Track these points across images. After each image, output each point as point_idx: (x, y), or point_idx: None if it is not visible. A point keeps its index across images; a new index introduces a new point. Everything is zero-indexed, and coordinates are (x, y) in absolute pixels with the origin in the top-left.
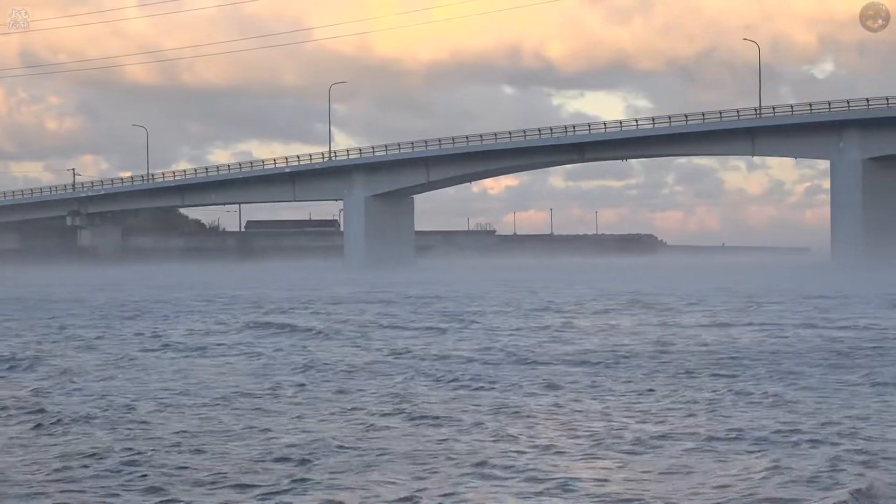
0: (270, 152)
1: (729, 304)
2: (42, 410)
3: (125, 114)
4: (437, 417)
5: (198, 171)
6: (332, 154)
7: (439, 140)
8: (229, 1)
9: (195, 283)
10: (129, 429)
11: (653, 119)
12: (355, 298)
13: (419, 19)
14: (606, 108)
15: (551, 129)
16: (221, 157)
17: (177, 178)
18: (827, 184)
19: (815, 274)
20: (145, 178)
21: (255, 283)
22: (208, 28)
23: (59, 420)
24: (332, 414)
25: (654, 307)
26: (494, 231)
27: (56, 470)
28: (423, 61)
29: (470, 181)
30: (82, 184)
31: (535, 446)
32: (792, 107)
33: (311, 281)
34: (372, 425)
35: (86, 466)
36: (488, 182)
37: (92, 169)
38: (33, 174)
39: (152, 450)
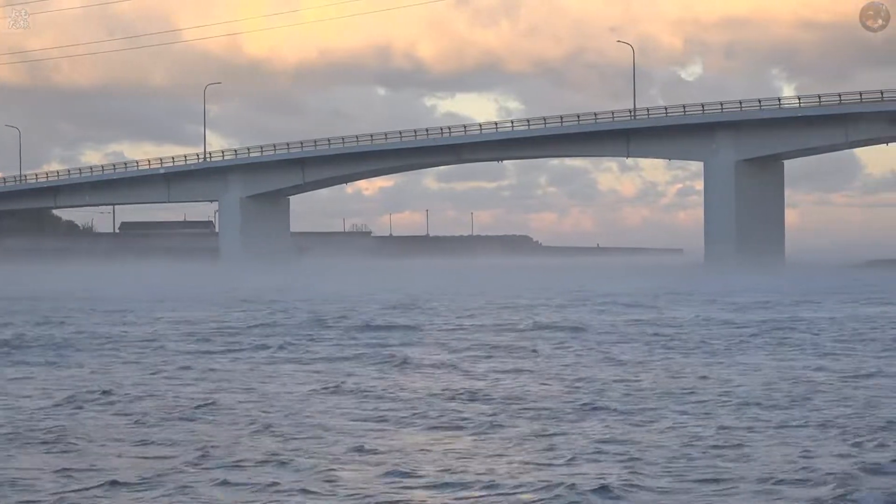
0: (143, 153)
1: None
2: None
3: None
4: None
5: (71, 171)
6: (208, 155)
7: (315, 141)
8: (96, 1)
9: None
10: None
11: (528, 121)
12: None
13: (287, 20)
14: (478, 110)
15: (427, 131)
16: (93, 157)
17: (50, 178)
18: (699, 185)
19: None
20: (17, 178)
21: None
22: (75, 28)
23: None
24: None
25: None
26: (370, 232)
27: None
28: (292, 62)
29: (346, 182)
30: None
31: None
32: (666, 109)
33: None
34: None
35: None
36: (362, 183)
37: None
38: None
39: None
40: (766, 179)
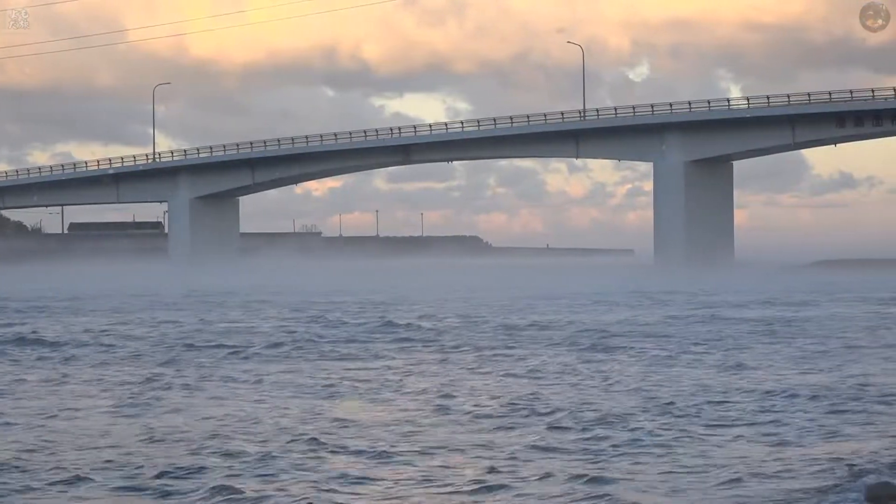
0: (91, 154)
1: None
2: None
3: None
4: None
5: (19, 172)
6: (157, 156)
7: (264, 142)
8: (41, 2)
9: None
10: None
11: (478, 121)
12: None
13: (233, 21)
14: (426, 110)
15: (377, 131)
16: (40, 158)
17: None
18: (648, 186)
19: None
20: None
21: None
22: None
23: None
24: None
25: None
26: (320, 233)
27: None
28: (239, 62)
29: (296, 182)
30: None
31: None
32: (615, 109)
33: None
34: None
35: None
36: (312, 184)
37: None
38: None
39: None
40: (715, 180)
